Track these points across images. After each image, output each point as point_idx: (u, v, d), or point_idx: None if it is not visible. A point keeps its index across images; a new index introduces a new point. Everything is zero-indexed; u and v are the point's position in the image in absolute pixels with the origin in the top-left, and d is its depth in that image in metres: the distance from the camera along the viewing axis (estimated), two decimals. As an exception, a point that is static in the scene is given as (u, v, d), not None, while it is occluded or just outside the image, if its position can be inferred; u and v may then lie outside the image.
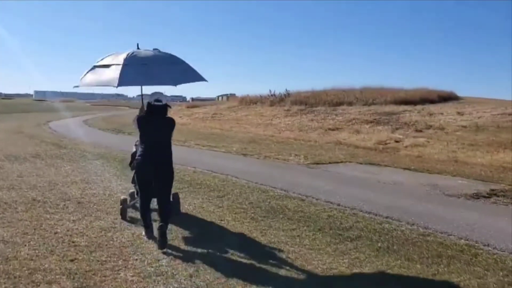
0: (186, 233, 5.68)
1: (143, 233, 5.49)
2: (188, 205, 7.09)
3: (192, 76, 5.76)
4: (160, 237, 5.03)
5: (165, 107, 5.31)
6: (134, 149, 6.39)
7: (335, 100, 26.25)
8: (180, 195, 6.95)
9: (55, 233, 5.64)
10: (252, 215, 6.57)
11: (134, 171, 5.78)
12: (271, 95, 30.14)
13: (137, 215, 6.07)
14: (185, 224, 6.00)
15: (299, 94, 28.90)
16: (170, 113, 5.50)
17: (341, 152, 13.59)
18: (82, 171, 9.98)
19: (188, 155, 12.54)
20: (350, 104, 25.61)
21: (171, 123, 5.40)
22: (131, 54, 5.45)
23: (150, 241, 5.30)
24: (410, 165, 11.30)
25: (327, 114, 23.28)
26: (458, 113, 21.93)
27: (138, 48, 5.67)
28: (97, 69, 5.63)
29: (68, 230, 5.75)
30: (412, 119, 20.82)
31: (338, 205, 7.17)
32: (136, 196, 6.26)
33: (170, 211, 5.47)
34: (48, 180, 8.83)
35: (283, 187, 8.41)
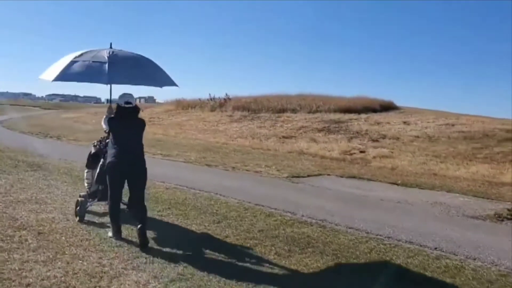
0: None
1: (110, 234, 5.38)
2: (185, 235, 5.71)
3: (167, 79, 5.96)
4: (141, 237, 5.05)
5: (136, 108, 5.41)
6: (92, 150, 6.32)
7: (278, 106, 25.50)
8: (167, 220, 6.00)
9: (27, 285, 4.07)
10: (274, 248, 5.34)
11: (88, 171, 6.19)
12: (211, 99, 28.79)
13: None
14: (204, 265, 4.63)
15: (239, 100, 27.81)
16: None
17: (310, 163, 12.70)
18: (24, 187, 8.14)
19: (149, 165, 11.00)
20: (293, 111, 24.98)
21: (142, 124, 5.47)
22: (112, 53, 5.49)
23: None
24: (394, 179, 10.64)
25: (274, 121, 22.45)
26: (404, 122, 22.05)
27: (111, 47, 5.69)
28: (76, 64, 5.44)
29: (43, 279, 4.19)
30: (362, 127, 20.57)
31: (367, 232, 6.13)
32: (89, 198, 6.15)
33: (146, 211, 5.42)
34: None
35: (285, 208, 7.25)
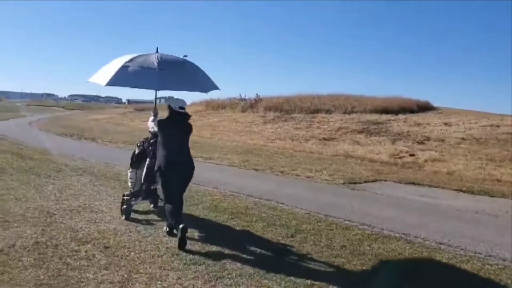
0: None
1: (166, 229, 5.59)
2: (262, 250, 5.25)
3: (210, 83, 6.25)
4: (182, 236, 5.09)
5: (187, 114, 5.59)
6: (137, 150, 6.47)
7: (311, 107, 24.90)
8: (236, 231, 5.63)
9: (112, 312, 3.62)
10: (365, 268, 4.76)
11: (132, 171, 6.39)
12: (241, 100, 28.30)
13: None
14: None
15: (271, 100, 27.27)
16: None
17: (360, 167, 12.08)
18: (74, 193, 7.76)
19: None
20: (328, 111, 24.35)
21: (190, 129, 5.69)
22: (160, 58, 5.68)
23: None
24: (457, 185, 9.98)
25: (309, 122, 21.83)
26: (445, 123, 21.22)
27: (157, 51, 5.88)
28: (128, 69, 5.58)
29: (127, 306, 3.74)
30: (402, 129, 19.83)
31: (462, 249, 5.52)
32: (132, 197, 6.36)
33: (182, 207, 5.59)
34: (36, 207, 6.61)
35: (360, 220, 6.68)
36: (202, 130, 20.89)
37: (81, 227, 5.76)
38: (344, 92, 28.74)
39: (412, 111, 24.75)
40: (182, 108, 5.61)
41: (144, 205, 6.83)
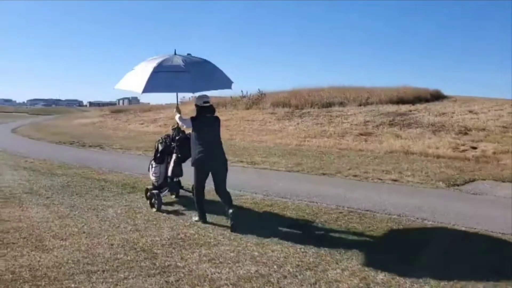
0: None
1: (196, 218, 6.04)
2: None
3: (218, 84, 6.51)
4: (233, 220, 5.62)
5: (212, 106, 6.01)
6: (160, 147, 6.91)
7: (322, 100, 23.54)
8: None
9: None
10: None
11: (156, 166, 6.90)
12: (243, 96, 26.69)
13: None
14: None
15: (276, 95, 25.78)
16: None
17: (434, 164, 10.80)
18: (151, 219, 6.20)
19: (246, 177, 9.41)
20: (341, 104, 23.06)
21: (219, 120, 6.11)
22: (185, 61, 6.05)
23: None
24: None
25: (328, 117, 20.46)
26: (470, 111, 20.27)
27: (175, 53, 6.26)
28: (160, 75, 5.85)
29: None
30: (430, 119, 18.69)
31: None
32: (160, 190, 6.80)
33: (230, 196, 5.97)
34: (121, 243, 5.13)
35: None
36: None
37: (206, 274, 4.23)
38: (343, 84, 27.43)
39: (426, 100, 23.84)
40: (207, 102, 5.92)
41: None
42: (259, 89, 26.85)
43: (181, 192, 7.35)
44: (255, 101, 25.58)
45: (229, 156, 6.79)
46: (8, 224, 5.79)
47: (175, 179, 6.99)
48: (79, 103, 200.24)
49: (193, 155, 5.86)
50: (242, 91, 26.97)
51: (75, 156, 13.25)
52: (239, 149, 14.14)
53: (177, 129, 6.88)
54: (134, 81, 6.11)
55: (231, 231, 5.51)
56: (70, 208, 6.75)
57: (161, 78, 5.89)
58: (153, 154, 7.19)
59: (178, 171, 6.76)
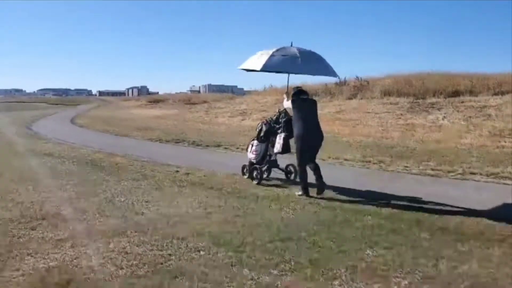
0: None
1: (300, 193, 6.87)
2: None
3: (327, 71, 7.72)
4: (321, 185, 6.87)
5: (306, 92, 7.48)
6: (264, 128, 7.91)
7: (447, 89, 20.15)
8: None
9: None
10: None
11: (258, 145, 7.94)
12: (340, 84, 23.45)
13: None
14: None
15: (380, 81, 22.54)
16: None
17: None
18: None
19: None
20: (471, 93, 19.68)
21: (316, 102, 7.57)
22: (299, 50, 7.36)
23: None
24: None
25: (475, 109, 17.12)
26: None
27: (292, 45, 7.50)
28: (275, 58, 7.19)
29: None
30: None
31: None
32: (249, 168, 8.11)
33: (319, 166, 7.01)
34: None
35: None
36: (336, 124, 16.15)
37: None
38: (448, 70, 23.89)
39: None
40: (300, 88, 7.52)
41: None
42: (357, 76, 23.66)
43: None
44: (359, 89, 22.33)
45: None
46: None
47: (272, 158, 7.99)
48: (88, 92, 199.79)
49: (297, 132, 6.95)
50: (339, 78, 23.73)
51: (217, 161, 10.30)
52: (378, 147, 11.05)
53: (284, 112, 7.74)
54: (253, 62, 7.44)
55: (318, 194, 6.80)
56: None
57: (277, 60, 7.16)
58: (255, 135, 8.10)
59: (287, 147, 7.56)
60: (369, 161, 10.11)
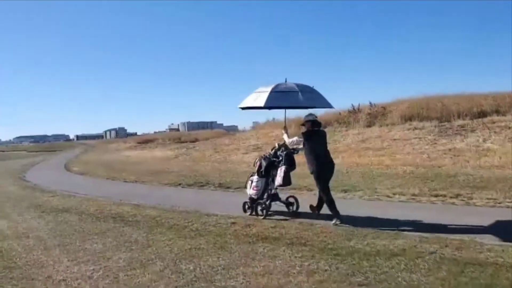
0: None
1: (337, 222, 7.04)
2: None
3: (324, 102, 7.81)
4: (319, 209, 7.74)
5: (319, 121, 7.68)
6: (264, 163, 8.12)
7: (473, 109, 19.25)
8: None
9: None
10: None
11: (259, 180, 8.17)
12: (354, 112, 22.44)
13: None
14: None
15: (394, 106, 21.59)
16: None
17: None
18: None
19: None
20: (498, 112, 18.83)
21: (325, 133, 7.86)
22: (297, 85, 7.60)
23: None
24: None
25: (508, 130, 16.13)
26: None
27: (286, 81, 7.74)
28: (276, 94, 7.39)
29: None
30: None
31: None
32: (251, 204, 8.33)
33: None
34: None
35: None
36: (369, 155, 14.97)
37: None
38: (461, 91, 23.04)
39: None
40: (314, 115, 7.65)
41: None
42: (370, 102, 22.69)
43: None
44: (377, 115, 21.30)
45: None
46: None
47: (273, 192, 8.15)
48: (66, 137, 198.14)
49: (312, 165, 7.30)
50: (353, 105, 22.78)
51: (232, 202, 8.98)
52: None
53: (284, 145, 8.05)
54: (255, 100, 7.64)
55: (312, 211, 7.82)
56: None
57: (279, 96, 7.38)
58: (255, 171, 8.34)
59: (288, 180, 7.75)
60: (443, 195, 8.90)
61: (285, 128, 8.08)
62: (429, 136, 16.91)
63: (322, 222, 7.28)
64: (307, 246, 5.96)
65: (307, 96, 7.44)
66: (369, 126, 20.94)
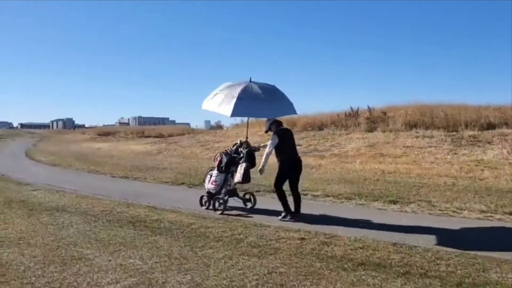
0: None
1: (288, 218, 7.38)
2: None
3: (289, 109, 8.03)
4: (298, 212, 7.51)
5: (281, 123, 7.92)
6: (225, 158, 8.19)
7: (479, 120, 18.55)
8: None
9: None
10: None
11: (218, 175, 8.21)
12: (351, 116, 21.37)
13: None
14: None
15: (394, 111, 20.73)
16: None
17: None
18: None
19: None
20: (507, 125, 18.19)
21: (292, 131, 8.06)
22: (262, 90, 7.61)
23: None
24: None
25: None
26: None
27: (250, 81, 7.78)
28: (244, 102, 7.33)
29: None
30: None
31: None
32: (208, 198, 8.36)
33: (300, 196, 7.68)
34: None
35: None
36: (388, 162, 13.85)
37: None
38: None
39: None
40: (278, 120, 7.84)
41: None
42: (368, 106, 21.70)
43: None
44: (377, 120, 20.30)
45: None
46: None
47: (231, 187, 8.24)
48: (9, 125, 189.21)
49: (282, 159, 7.51)
50: (352, 108, 21.71)
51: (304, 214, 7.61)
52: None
53: (246, 143, 8.20)
54: (221, 105, 7.54)
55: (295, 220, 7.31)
56: None
57: (245, 105, 7.35)
58: (214, 165, 8.40)
59: (248, 177, 7.80)
60: (512, 214, 7.79)
61: (246, 141, 8.28)
62: (444, 146, 15.97)
63: (421, 245, 5.97)
64: (430, 278, 4.61)
65: (276, 105, 7.65)
66: (370, 131, 19.90)
